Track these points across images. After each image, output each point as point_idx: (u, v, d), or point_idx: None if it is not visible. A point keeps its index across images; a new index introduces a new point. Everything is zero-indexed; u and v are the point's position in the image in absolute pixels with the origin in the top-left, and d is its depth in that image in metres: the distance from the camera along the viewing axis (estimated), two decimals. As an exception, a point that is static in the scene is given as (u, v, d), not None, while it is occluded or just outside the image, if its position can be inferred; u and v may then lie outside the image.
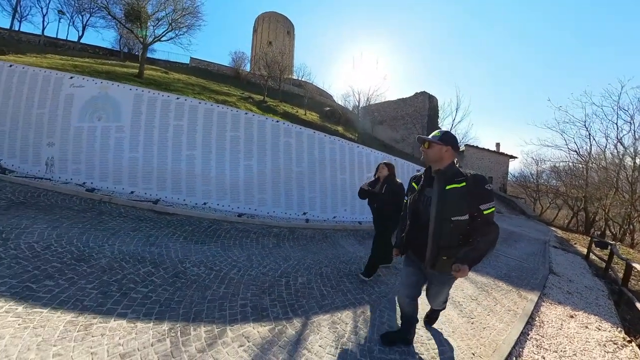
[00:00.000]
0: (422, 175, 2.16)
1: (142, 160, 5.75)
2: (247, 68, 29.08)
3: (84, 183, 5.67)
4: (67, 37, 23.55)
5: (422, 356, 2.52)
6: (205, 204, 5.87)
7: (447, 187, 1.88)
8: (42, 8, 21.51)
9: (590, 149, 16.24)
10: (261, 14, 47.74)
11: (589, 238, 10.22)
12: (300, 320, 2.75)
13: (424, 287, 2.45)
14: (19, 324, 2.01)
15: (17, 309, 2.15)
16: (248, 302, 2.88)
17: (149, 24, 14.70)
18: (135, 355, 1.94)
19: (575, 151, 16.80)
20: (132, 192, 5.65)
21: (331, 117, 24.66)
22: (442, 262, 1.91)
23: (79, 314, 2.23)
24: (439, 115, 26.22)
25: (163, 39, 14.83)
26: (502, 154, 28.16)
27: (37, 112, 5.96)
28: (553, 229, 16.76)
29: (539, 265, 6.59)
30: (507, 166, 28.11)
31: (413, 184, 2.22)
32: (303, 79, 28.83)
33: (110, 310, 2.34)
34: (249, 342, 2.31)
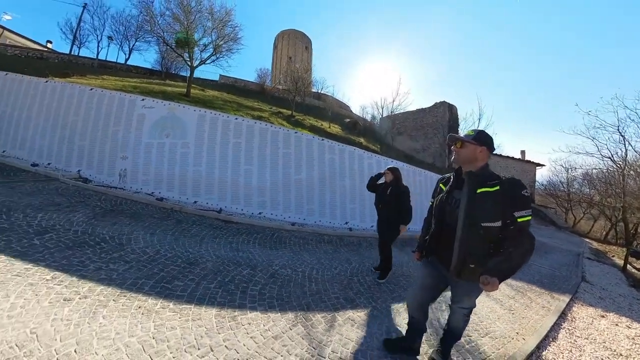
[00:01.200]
0: (451, 177, 1.98)
1: (205, 173, 6.24)
2: (270, 83, 30.07)
3: (153, 192, 6.15)
4: (116, 59, 26.21)
5: (471, 336, 2.97)
6: (260, 213, 6.29)
7: (479, 191, 1.70)
8: (97, 35, 24.58)
9: (626, 154, 14.94)
10: (281, 32, 49.57)
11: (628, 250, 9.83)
12: (383, 306, 3.24)
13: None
14: (179, 317, 2.34)
15: (168, 304, 2.48)
16: (339, 295, 3.34)
17: (195, 49, 15.80)
18: (283, 337, 2.31)
19: (610, 157, 15.48)
20: (195, 202, 6.12)
21: (352, 129, 24.75)
22: (469, 270, 1.73)
23: (220, 308, 2.57)
24: (460, 124, 25.61)
25: (207, 61, 15.90)
26: (528, 161, 26.46)
27: (113, 130, 6.53)
28: (588, 240, 16.36)
29: (572, 274, 6.72)
30: (534, 174, 26.33)
31: (441, 185, 2.06)
32: (322, 92, 29.52)
33: (241, 305, 2.70)
34: (355, 322, 2.78)
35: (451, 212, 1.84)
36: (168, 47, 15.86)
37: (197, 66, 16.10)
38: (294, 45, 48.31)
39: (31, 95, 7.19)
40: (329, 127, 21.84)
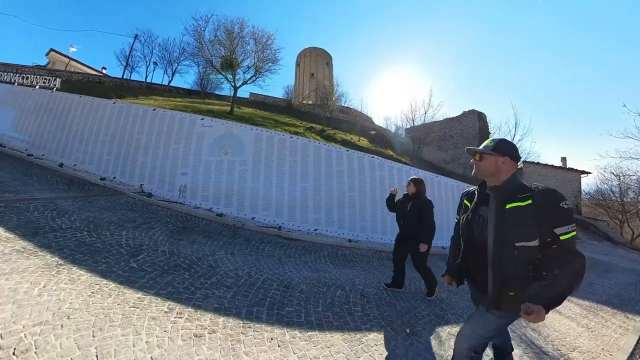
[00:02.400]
0: (476, 191, 1.76)
1: (262, 191, 6.24)
2: (294, 98, 30.73)
3: (211, 208, 6.19)
4: (161, 81, 29.13)
5: (561, 350, 3.05)
6: (316, 230, 6.19)
7: (508, 206, 1.49)
8: (146, 61, 27.58)
9: (689, 158, 13.03)
10: (303, 50, 51.13)
11: None
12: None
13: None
14: (314, 346, 2.27)
15: (295, 333, 2.40)
16: (428, 311, 3.36)
17: (238, 70, 16.61)
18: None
19: (671, 162, 13.40)
20: (253, 218, 6.10)
21: (378, 141, 24.22)
22: (508, 299, 1.48)
23: (342, 332, 2.52)
24: (493, 133, 23.79)
25: (248, 82, 16.69)
26: (571, 169, 23.24)
27: (174, 147, 6.70)
28: (654, 257, 15.09)
29: (642, 297, 6.19)
30: (579, 183, 22.94)
31: (465, 201, 1.82)
32: (346, 105, 29.61)
33: (356, 327, 2.68)
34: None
35: (480, 232, 1.62)
36: (214, 69, 16.66)
37: (239, 86, 16.85)
38: (316, 62, 49.48)
39: (100, 115, 7.54)
40: (359, 141, 21.59)
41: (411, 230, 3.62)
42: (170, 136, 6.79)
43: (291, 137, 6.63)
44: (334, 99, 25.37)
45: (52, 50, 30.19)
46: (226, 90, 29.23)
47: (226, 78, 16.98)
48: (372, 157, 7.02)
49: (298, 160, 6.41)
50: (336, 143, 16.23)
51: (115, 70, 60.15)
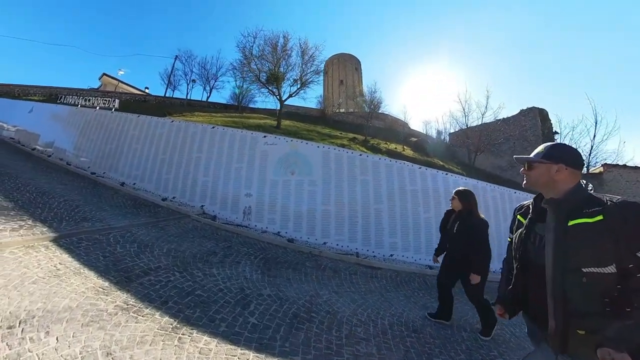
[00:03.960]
0: (531, 205, 1.46)
1: (334, 213, 5.65)
2: (322, 107, 30.14)
3: (279, 232, 5.66)
4: (201, 97, 29.58)
5: None
6: (392, 255, 5.51)
7: (571, 223, 1.19)
8: (187, 79, 28.42)
9: None
10: (330, 57, 46.23)
11: None
12: None
13: None
14: None
15: None
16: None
17: (284, 84, 16.51)
18: None
19: None
20: (324, 243, 5.51)
21: (421, 149, 21.76)
22: (577, 340, 1.13)
23: None
24: (566, 134, 19.19)
25: (294, 94, 16.53)
26: None
27: (236, 166, 6.25)
28: None
29: None
30: None
31: (519, 217, 1.51)
32: (380, 111, 28.43)
33: None
34: None
35: (536, 253, 1.31)
36: (261, 83, 16.56)
37: (285, 99, 16.63)
38: (344, 69, 46.31)
39: (158, 134, 7.27)
40: (403, 150, 19.62)
41: (459, 257, 2.90)
42: (231, 155, 6.36)
43: (360, 155, 6.03)
44: (375, 106, 23.62)
45: (104, 74, 32.04)
46: (260, 103, 29.68)
47: (272, 92, 16.78)
48: (446, 174, 6.30)
49: (370, 180, 5.79)
50: (382, 154, 15.54)
51: (158, 89, 62.82)
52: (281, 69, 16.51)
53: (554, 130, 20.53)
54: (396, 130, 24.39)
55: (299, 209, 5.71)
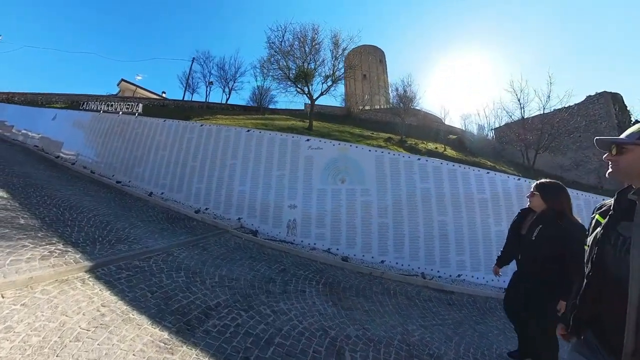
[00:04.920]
0: (613, 201, 1.16)
1: (392, 227, 4.97)
2: (343, 104, 28.88)
3: (330, 249, 5.01)
4: (220, 100, 29.14)
5: None
6: (459, 276, 4.78)
7: None
8: (206, 81, 27.59)
9: None
10: (352, 50, 44.50)
11: None
12: None
13: None
14: None
15: None
16: None
17: (313, 80, 15.75)
18: None
19: None
20: (382, 262, 4.83)
21: (461, 147, 19.38)
22: None
23: None
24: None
25: (325, 92, 15.73)
26: None
27: (277, 174, 5.65)
28: None
29: None
30: None
31: (597, 216, 1.23)
32: (412, 107, 25.83)
33: None
34: None
35: (616, 260, 1.01)
36: (290, 81, 15.79)
37: (317, 98, 15.68)
38: (367, 62, 40.62)
39: (187, 139, 6.76)
40: (445, 150, 17.41)
41: (535, 274, 2.13)
42: (270, 161, 5.77)
43: (419, 160, 5.33)
44: (409, 101, 20.93)
45: (122, 80, 32.33)
46: (280, 103, 28.92)
47: (302, 91, 15.95)
48: (518, 178, 5.52)
49: (431, 187, 5.09)
50: (421, 155, 14.49)
51: (175, 93, 61.79)
52: (311, 65, 15.62)
53: (634, 120, 16.78)
54: (431, 128, 22.24)
55: (351, 222, 5.05)
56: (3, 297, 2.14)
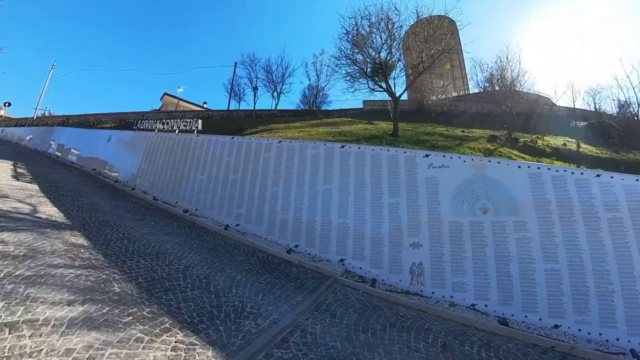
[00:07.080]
0: None
1: (567, 275, 3.62)
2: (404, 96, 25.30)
3: (474, 305, 3.83)
4: (270, 106, 27.71)
5: None
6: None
7: None
8: (252, 89, 24.71)
9: None
10: (411, 27, 39.35)
11: None
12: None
13: None
14: None
15: None
16: None
17: (393, 73, 13.58)
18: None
19: None
20: (555, 326, 3.55)
21: (602, 139, 14.37)
22: None
23: None
24: None
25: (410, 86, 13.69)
26: None
27: (390, 202, 4.53)
28: None
29: None
30: None
31: None
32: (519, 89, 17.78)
33: None
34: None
35: None
36: (366, 77, 13.69)
37: (400, 95, 13.48)
38: (432, 39, 38.03)
39: (263, 160, 5.88)
40: (579, 149, 13.28)
41: None
42: (378, 186, 4.68)
43: (598, 176, 3.91)
44: (511, 82, 15.56)
45: (165, 94, 33.07)
46: (335, 104, 26.45)
47: (383, 88, 13.44)
48: None
49: (624, 218, 3.68)
50: (546, 157, 11.50)
51: (217, 102, 61.10)
52: (395, 55, 13.22)
53: None
54: (543, 114, 16.31)
55: (503, 267, 3.81)
56: None
